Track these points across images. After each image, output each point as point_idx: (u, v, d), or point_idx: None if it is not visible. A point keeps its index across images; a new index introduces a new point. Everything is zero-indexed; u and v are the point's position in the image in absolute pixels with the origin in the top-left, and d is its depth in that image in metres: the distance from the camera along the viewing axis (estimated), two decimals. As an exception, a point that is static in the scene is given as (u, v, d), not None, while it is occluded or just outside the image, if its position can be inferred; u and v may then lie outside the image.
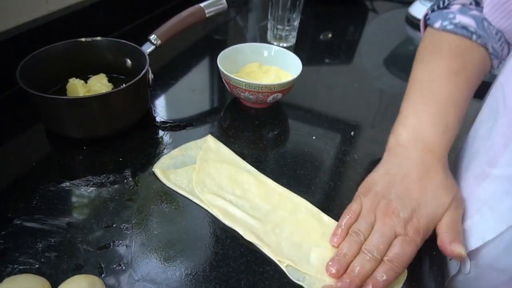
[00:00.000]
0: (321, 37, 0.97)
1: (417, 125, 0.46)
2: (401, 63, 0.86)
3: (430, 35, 0.52)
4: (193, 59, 0.78)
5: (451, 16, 0.50)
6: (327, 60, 0.84)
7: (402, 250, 0.38)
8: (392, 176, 0.44)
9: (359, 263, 0.38)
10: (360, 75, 0.81)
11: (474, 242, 0.41)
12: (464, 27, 0.48)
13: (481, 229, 0.40)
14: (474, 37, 0.48)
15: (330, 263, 0.40)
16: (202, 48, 0.85)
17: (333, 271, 0.39)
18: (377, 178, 0.45)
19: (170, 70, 0.74)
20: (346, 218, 0.43)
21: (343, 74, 0.81)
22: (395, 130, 0.48)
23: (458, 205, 0.42)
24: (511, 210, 0.36)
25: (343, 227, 0.42)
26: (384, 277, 0.37)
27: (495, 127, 0.40)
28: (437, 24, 0.50)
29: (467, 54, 0.49)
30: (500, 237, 0.38)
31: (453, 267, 0.46)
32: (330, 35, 0.98)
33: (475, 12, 0.48)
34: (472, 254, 0.42)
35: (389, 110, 0.70)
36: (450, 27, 0.49)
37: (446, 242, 0.38)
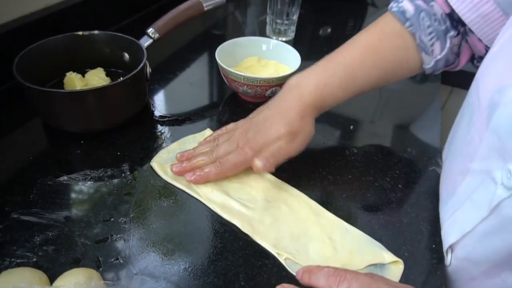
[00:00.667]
0: (321, 31, 0.97)
1: (306, 73, 0.50)
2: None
3: (383, 14, 0.53)
4: (191, 53, 0.78)
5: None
6: (326, 55, 0.83)
7: (232, 157, 0.47)
8: (266, 106, 0.50)
9: (200, 158, 0.49)
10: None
11: (455, 235, 0.42)
12: (403, 12, 0.48)
13: (461, 222, 0.41)
14: (407, 23, 0.48)
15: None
16: (201, 42, 0.85)
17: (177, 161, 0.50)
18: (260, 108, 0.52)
19: (168, 64, 0.74)
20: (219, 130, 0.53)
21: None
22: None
23: (292, 141, 0.47)
24: (485, 203, 0.37)
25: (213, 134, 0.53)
26: (206, 170, 0.47)
27: (472, 122, 0.41)
28: (390, 5, 0.51)
29: (390, 38, 0.50)
30: (474, 229, 0.39)
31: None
32: (329, 30, 0.98)
33: (420, 2, 0.48)
34: (452, 247, 0.43)
35: (388, 105, 0.70)
36: (394, 9, 0.50)
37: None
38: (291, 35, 0.84)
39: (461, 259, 0.42)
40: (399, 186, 0.51)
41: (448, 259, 0.44)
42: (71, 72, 0.57)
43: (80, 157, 0.51)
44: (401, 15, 0.48)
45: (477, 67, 0.50)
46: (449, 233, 0.44)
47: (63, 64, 0.58)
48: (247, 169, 0.50)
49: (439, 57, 0.49)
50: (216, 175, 0.47)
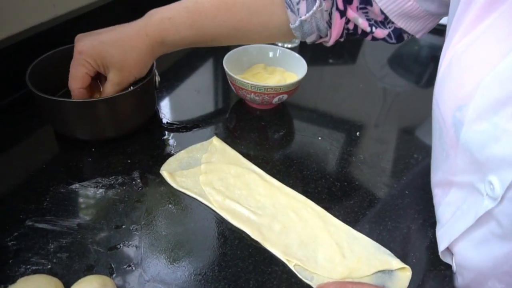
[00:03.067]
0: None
1: (157, 9, 0.51)
2: (405, 62, 0.87)
3: None
4: (198, 60, 0.79)
5: None
6: (331, 61, 0.84)
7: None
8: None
9: None
10: (364, 75, 0.81)
11: (444, 244, 0.42)
12: None
13: (450, 230, 0.41)
14: None
15: None
16: (207, 49, 0.86)
17: None
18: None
19: (175, 71, 0.74)
20: None
21: (347, 74, 0.81)
22: None
23: (121, 69, 0.50)
24: (473, 211, 0.37)
25: None
26: None
27: (443, 139, 0.41)
28: None
29: None
30: (464, 237, 0.39)
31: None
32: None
33: None
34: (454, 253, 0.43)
35: (393, 110, 0.70)
36: None
37: None
38: (296, 41, 0.85)
39: (457, 265, 0.42)
40: (406, 192, 0.52)
41: (453, 266, 0.44)
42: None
43: (91, 165, 0.52)
44: None
45: (378, 36, 0.50)
46: (441, 241, 0.44)
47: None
48: (255, 176, 0.51)
49: (303, 17, 0.48)
50: None
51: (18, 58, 0.58)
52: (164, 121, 0.61)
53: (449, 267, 0.43)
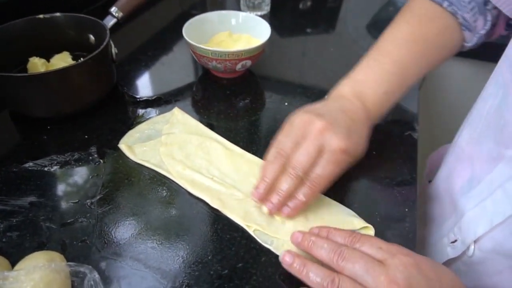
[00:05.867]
0: (300, 5, 0.94)
1: (361, 83, 0.47)
2: (384, 27, 0.84)
3: None
4: (167, 35, 0.76)
5: None
6: (308, 30, 0.81)
7: (323, 170, 0.39)
8: (328, 109, 0.44)
9: (285, 181, 0.39)
10: (342, 42, 0.78)
11: (482, 227, 0.40)
12: None
13: (490, 213, 0.39)
14: (446, 3, 0.46)
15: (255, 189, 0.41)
16: (177, 24, 0.82)
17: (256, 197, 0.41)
18: (314, 106, 0.45)
19: (142, 47, 0.71)
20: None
21: (324, 43, 0.78)
22: (341, 82, 0.48)
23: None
24: None
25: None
26: (304, 199, 0.39)
27: (506, 104, 0.38)
28: None
29: (432, 22, 0.48)
30: (507, 221, 0.37)
31: (455, 249, 0.45)
32: (309, 3, 0.95)
33: None
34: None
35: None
36: None
37: None
38: (266, 8, 0.81)
39: (487, 251, 0.40)
40: (373, 152, 0.50)
41: (471, 249, 0.42)
42: (34, 57, 0.55)
43: (46, 143, 0.50)
44: None
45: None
46: (476, 224, 0.41)
47: (27, 50, 0.57)
48: (216, 145, 0.49)
49: (482, 32, 0.47)
50: (313, 197, 0.40)
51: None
52: (126, 95, 0.59)
53: (413, 224, 0.42)
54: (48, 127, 0.52)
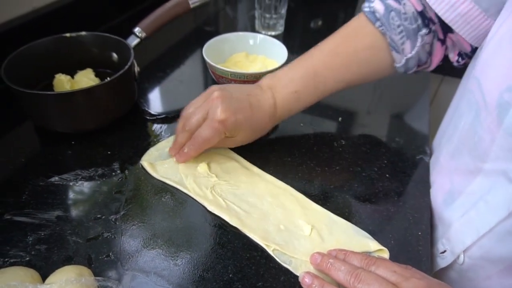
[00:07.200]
0: (312, 24, 0.97)
1: (278, 78, 0.51)
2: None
3: (358, 14, 0.53)
4: (183, 51, 0.78)
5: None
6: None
7: (201, 132, 0.47)
8: (236, 88, 0.50)
9: (180, 136, 0.49)
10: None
11: (470, 237, 0.42)
12: (373, 12, 0.49)
13: (476, 223, 0.41)
14: (378, 23, 0.49)
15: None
16: (192, 40, 0.85)
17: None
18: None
19: (159, 63, 0.74)
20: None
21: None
22: (267, 75, 0.53)
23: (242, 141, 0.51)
24: (504, 203, 0.36)
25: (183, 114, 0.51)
26: (185, 150, 0.49)
27: (479, 122, 0.40)
28: (363, 5, 0.52)
29: (360, 38, 0.51)
30: (493, 229, 0.39)
31: (445, 259, 0.46)
32: (320, 22, 0.98)
33: (391, 1, 0.48)
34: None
35: (376, 95, 0.70)
36: (366, 9, 0.50)
37: None
38: (280, 29, 0.84)
39: (476, 258, 0.42)
40: (386, 175, 0.52)
41: (461, 258, 0.44)
42: (60, 74, 0.57)
43: (71, 158, 0.52)
44: (372, 15, 0.49)
45: (461, 65, 0.50)
46: (463, 234, 0.43)
47: (53, 66, 0.59)
48: (235, 164, 0.51)
49: (409, 55, 0.50)
50: (195, 152, 0.49)
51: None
52: (146, 112, 0.61)
53: (426, 246, 0.43)
54: (72, 142, 0.54)
